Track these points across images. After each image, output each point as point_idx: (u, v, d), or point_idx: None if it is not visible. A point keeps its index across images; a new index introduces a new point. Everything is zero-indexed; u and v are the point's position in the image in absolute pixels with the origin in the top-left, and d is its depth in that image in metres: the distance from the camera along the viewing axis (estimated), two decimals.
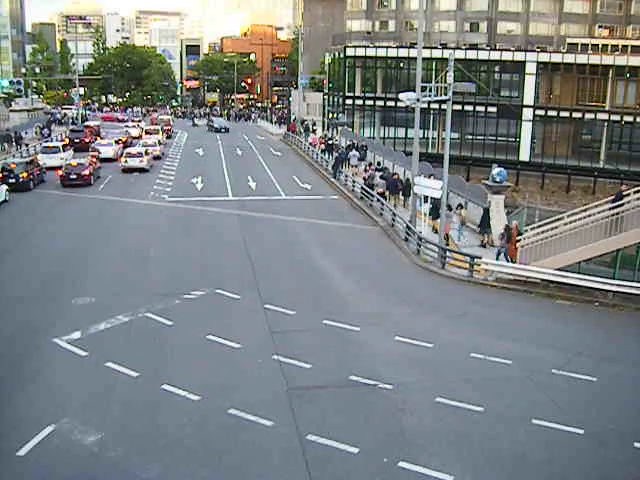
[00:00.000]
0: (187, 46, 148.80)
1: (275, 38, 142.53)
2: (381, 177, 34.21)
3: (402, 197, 32.18)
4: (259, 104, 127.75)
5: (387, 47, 62.58)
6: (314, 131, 66.12)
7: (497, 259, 22.77)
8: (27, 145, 50.88)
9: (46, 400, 13.03)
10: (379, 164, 40.21)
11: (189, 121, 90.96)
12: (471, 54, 56.38)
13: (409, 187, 30.24)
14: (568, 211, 24.26)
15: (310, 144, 52.71)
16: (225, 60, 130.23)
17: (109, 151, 46.38)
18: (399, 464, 11.09)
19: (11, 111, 69.91)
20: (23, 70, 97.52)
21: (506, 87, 57.77)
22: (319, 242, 26.12)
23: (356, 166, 41.22)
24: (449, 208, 28.29)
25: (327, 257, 23.87)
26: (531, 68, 54.64)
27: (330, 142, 49.75)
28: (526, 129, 55.27)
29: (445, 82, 23.70)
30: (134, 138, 55.25)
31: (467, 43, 65.25)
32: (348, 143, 50.25)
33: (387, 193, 32.25)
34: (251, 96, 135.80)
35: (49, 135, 57.50)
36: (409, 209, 28.83)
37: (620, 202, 21.93)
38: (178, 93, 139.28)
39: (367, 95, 62.19)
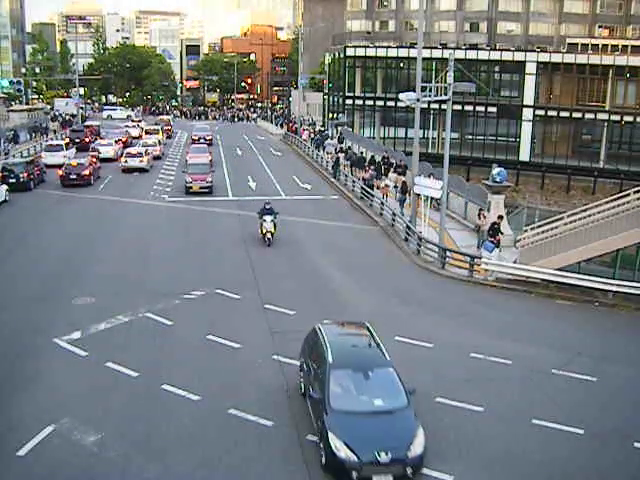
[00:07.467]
0: (187, 46, 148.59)
1: (275, 38, 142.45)
2: (345, 157, 42.46)
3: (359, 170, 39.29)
4: (259, 104, 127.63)
5: (387, 47, 62.60)
6: (312, 128, 66.33)
7: (402, 209, 29.15)
8: (55, 131, 61.51)
9: (46, 400, 13.04)
10: (349, 148, 46.52)
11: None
12: (471, 54, 56.36)
13: (363, 161, 40.05)
14: (568, 211, 24.20)
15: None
16: (225, 60, 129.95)
17: (109, 151, 46.36)
18: None
19: (11, 111, 69.83)
20: (23, 70, 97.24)
21: (506, 87, 57.73)
22: (319, 242, 26.11)
23: (330, 153, 45.66)
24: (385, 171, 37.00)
25: (327, 257, 23.87)
26: (531, 68, 54.62)
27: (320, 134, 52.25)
28: (526, 129, 55.25)
29: (445, 82, 23.71)
30: (134, 138, 55.22)
31: (467, 43, 65.21)
32: (320, 129, 57.19)
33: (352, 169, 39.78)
34: (251, 96, 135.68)
35: (70, 125, 64.35)
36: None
37: None
38: (178, 93, 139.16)
39: (367, 95, 62.15)
